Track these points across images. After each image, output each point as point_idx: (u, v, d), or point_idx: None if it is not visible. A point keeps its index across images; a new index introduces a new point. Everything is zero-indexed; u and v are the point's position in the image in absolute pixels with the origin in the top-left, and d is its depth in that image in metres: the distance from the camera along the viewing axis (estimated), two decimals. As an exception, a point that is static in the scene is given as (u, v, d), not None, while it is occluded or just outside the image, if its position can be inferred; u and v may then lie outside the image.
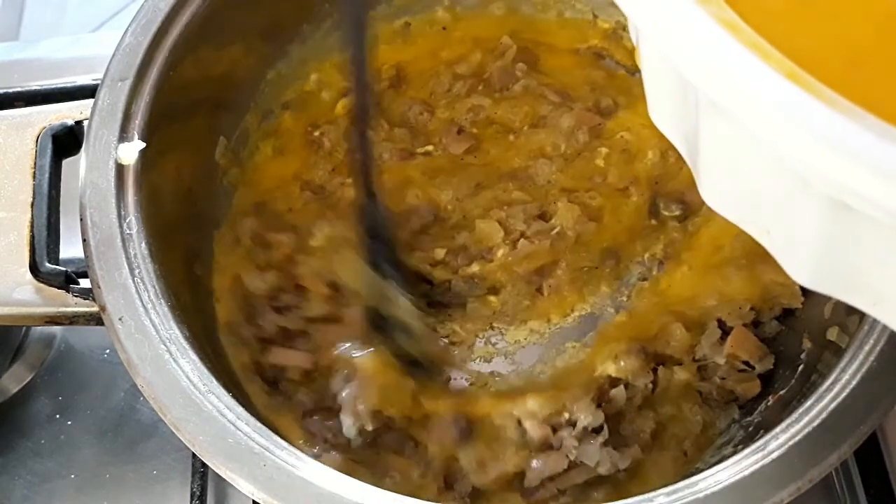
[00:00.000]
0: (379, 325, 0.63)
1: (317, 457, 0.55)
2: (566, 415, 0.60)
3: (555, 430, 0.60)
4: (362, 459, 0.61)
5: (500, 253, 0.68)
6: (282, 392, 0.64)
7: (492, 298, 0.69)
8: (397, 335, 0.63)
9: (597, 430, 0.60)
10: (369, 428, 0.60)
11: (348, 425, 0.60)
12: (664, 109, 0.39)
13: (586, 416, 0.60)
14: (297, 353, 0.64)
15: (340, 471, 0.50)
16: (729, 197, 0.37)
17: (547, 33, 0.78)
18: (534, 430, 0.60)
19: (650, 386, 0.62)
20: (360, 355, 0.62)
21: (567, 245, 0.68)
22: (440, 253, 0.69)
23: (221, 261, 0.67)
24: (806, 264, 0.35)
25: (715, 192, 0.38)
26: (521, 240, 0.68)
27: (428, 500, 0.49)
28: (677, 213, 0.69)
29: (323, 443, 0.61)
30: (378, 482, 0.50)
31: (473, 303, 0.69)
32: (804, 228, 0.33)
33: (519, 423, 0.61)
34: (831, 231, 0.32)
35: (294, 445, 0.51)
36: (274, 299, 0.66)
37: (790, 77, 0.30)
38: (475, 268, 0.68)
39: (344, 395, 0.61)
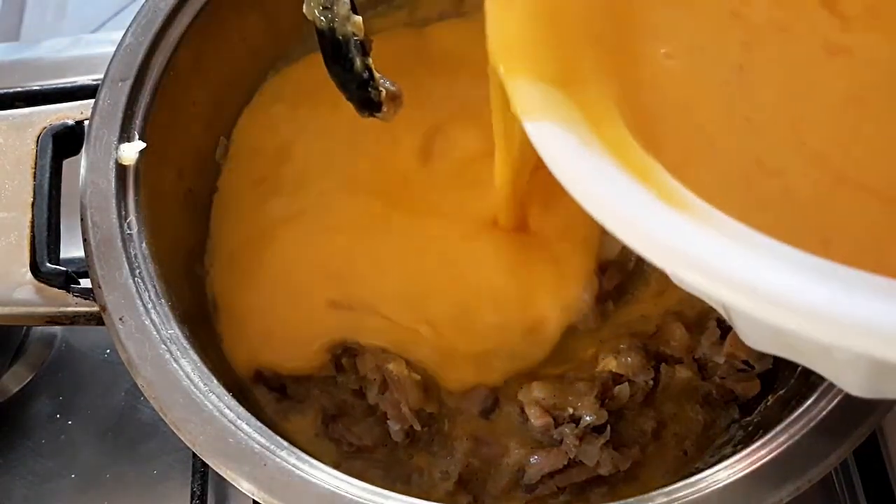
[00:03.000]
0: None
1: (336, 465, 0.55)
2: (570, 409, 0.60)
3: (557, 422, 0.60)
4: (385, 465, 0.61)
5: None
6: (291, 397, 0.64)
7: None
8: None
9: (598, 430, 0.60)
10: (418, 428, 0.61)
11: (396, 430, 0.61)
12: None
13: (590, 415, 0.60)
14: None
15: (361, 476, 0.50)
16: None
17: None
18: (535, 418, 0.60)
19: (650, 383, 0.62)
20: (389, 365, 0.62)
21: None
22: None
23: None
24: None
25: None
26: None
27: (436, 500, 0.49)
28: None
29: (348, 447, 0.62)
30: (390, 486, 0.51)
31: None
32: (730, 313, 0.42)
33: (522, 410, 0.61)
34: (749, 320, 0.39)
35: (308, 450, 0.51)
36: None
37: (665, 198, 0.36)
38: None
39: (386, 402, 0.61)
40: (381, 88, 0.54)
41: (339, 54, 0.53)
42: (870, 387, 0.37)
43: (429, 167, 0.68)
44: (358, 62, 0.53)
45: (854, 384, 0.38)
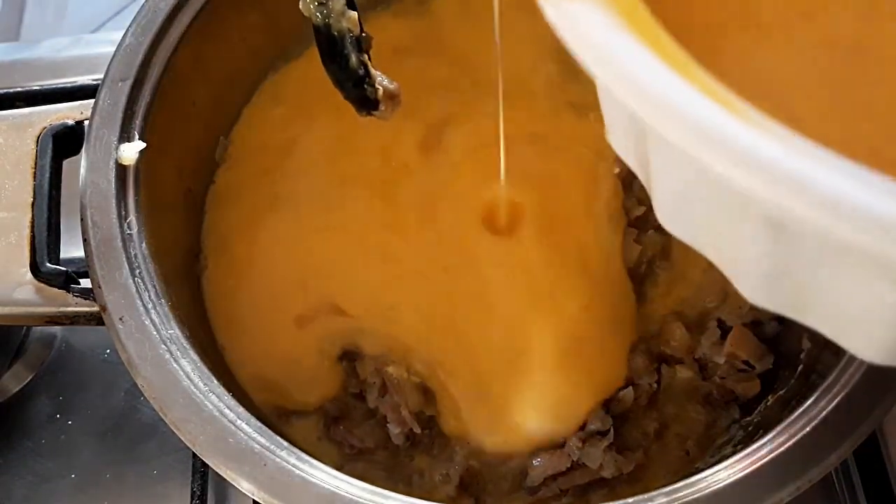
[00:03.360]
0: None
1: (339, 467, 0.55)
2: None
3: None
4: (387, 467, 0.61)
5: None
6: None
7: None
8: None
9: (602, 433, 0.60)
10: (417, 431, 0.61)
11: (396, 433, 0.61)
12: (619, 134, 0.38)
13: (594, 421, 0.60)
14: None
15: (363, 478, 0.50)
16: (681, 220, 0.37)
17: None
18: None
19: (654, 386, 0.62)
20: (388, 368, 0.62)
21: None
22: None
23: None
24: (755, 284, 0.35)
25: (668, 215, 0.38)
26: None
27: (438, 501, 0.49)
28: None
29: (349, 449, 0.62)
30: (392, 487, 0.51)
31: None
32: (748, 249, 0.33)
33: None
34: (773, 251, 0.32)
35: (311, 452, 0.51)
36: None
37: (709, 95, 0.30)
38: None
39: (385, 405, 0.61)
40: (377, 86, 0.54)
41: (334, 51, 0.53)
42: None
43: (431, 160, 0.67)
44: (353, 59, 0.52)
45: (878, 342, 0.34)
